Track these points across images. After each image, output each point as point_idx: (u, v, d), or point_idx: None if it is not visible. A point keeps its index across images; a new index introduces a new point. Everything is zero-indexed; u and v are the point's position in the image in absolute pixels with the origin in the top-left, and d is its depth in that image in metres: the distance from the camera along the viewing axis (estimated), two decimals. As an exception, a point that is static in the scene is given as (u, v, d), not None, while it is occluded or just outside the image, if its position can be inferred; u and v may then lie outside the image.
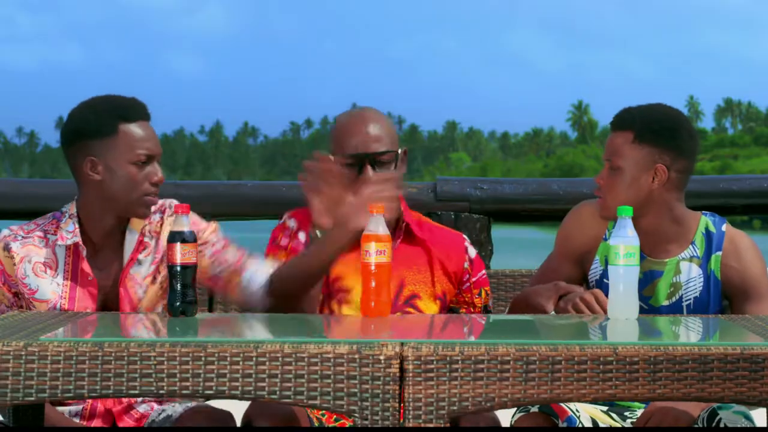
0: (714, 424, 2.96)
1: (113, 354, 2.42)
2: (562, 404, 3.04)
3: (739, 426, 2.95)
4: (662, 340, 2.62)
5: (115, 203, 3.08)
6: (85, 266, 3.10)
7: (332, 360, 2.41)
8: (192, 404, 3.10)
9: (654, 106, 3.24)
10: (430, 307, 3.32)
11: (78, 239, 3.09)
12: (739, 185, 4.68)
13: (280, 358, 2.41)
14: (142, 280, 3.15)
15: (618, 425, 3.14)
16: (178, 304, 2.86)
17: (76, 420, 3.10)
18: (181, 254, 2.85)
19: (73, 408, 3.12)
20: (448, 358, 2.41)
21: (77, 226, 3.11)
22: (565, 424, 3.03)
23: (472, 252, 3.44)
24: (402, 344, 2.44)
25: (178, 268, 2.86)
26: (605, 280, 3.10)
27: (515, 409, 3.10)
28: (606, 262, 3.14)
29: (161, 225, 3.17)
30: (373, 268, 2.90)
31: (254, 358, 2.41)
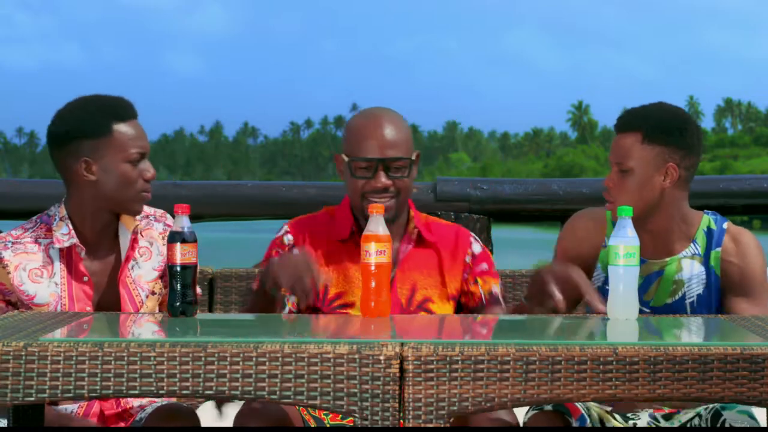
0: (719, 424, 2.96)
1: (113, 354, 2.42)
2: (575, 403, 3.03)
3: (743, 426, 2.95)
4: (662, 340, 2.62)
5: (110, 202, 3.11)
6: (81, 267, 3.12)
7: (332, 360, 2.41)
8: (161, 403, 3.10)
9: (657, 105, 3.23)
10: (443, 308, 3.28)
11: (75, 240, 3.11)
12: (739, 185, 4.68)
13: (280, 358, 2.41)
14: (145, 284, 3.16)
15: (621, 426, 3.14)
16: (178, 304, 2.86)
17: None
18: (181, 254, 2.85)
19: (69, 407, 3.11)
20: (448, 358, 2.40)
21: (71, 227, 3.12)
22: (577, 423, 3.03)
23: (477, 248, 3.37)
24: (402, 344, 2.44)
25: (178, 268, 2.85)
26: (607, 287, 3.09)
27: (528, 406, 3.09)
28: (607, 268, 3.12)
29: (150, 230, 3.21)
30: (373, 268, 2.90)
31: (254, 358, 2.41)
